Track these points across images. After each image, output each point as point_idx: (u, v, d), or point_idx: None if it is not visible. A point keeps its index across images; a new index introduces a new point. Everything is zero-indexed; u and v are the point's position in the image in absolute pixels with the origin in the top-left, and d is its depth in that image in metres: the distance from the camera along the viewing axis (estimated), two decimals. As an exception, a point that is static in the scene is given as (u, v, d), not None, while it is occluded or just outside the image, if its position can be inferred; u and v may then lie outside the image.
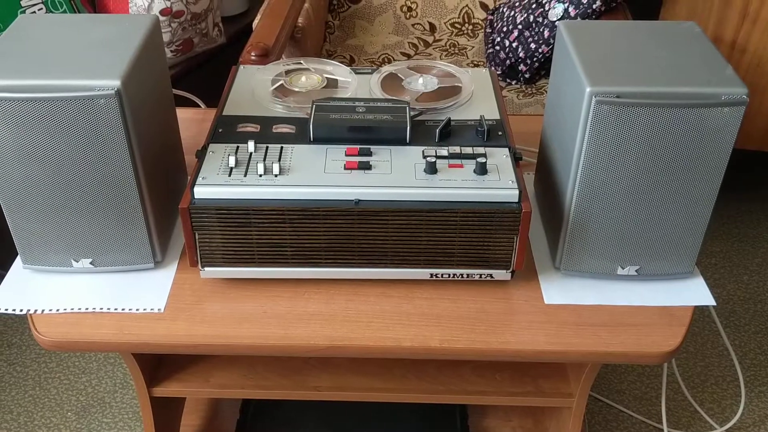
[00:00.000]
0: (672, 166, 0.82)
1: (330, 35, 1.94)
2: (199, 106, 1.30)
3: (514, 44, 1.70)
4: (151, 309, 0.86)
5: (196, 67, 1.85)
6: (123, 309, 0.86)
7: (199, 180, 0.83)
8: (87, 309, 0.86)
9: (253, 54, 1.39)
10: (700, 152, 0.81)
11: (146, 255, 0.90)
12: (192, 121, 1.21)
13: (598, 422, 1.41)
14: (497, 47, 1.76)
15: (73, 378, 1.51)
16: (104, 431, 1.40)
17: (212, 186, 0.83)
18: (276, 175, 0.84)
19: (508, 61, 1.72)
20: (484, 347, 0.83)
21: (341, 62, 1.69)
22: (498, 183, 0.84)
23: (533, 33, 1.67)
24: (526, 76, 1.70)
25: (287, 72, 1.03)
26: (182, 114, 1.21)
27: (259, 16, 1.62)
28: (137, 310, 0.86)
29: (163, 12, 1.69)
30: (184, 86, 1.47)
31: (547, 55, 1.65)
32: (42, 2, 1.58)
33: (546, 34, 1.63)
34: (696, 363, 1.54)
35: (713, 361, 1.54)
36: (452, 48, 1.90)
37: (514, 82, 1.73)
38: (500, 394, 1.02)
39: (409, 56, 1.87)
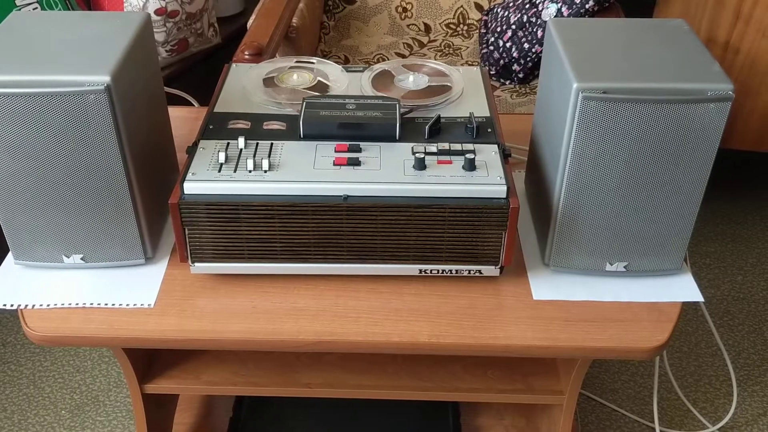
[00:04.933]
0: (659, 162, 0.82)
1: (325, 35, 1.94)
2: (192, 104, 1.30)
3: (508, 44, 1.71)
4: (141, 304, 0.87)
5: (192, 67, 1.85)
6: (113, 304, 0.87)
7: (189, 175, 0.84)
8: (77, 304, 0.86)
9: (247, 53, 1.39)
10: (687, 148, 0.82)
11: (137, 251, 0.90)
12: (185, 119, 1.22)
13: (591, 421, 1.41)
14: (491, 47, 1.76)
15: (68, 376, 1.51)
16: (98, 429, 1.40)
17: (202, 182, 0.83)
18: (265, 171, 0.84)
19: (501, 61, 1.73)
20: (473, 342, 0.83)
21: (336, 62, 1.69)
22: (486, 179, 0.84)
23: (527, 33, 1.68)
24: (520, 75, 1.71)
25: (279, 70, 1.03)
26: (175, 112, 1.22)
27: (253, 16, 1.63)
28: (127, 305, 0.87)
29: (158, 12, 1.70)
30: (179, 86, 1.47)
31: (540, 54, 1.65)
32: (36, 1, 1.59)
33: (539, 34, 1.64)
34: (689, 362, 1.54)
35: (706, 360, 1.54)
36: (447, 48, 1.90)
37: (507, 82, 1.74)
38: (491, 391, 1.02)
39: (403, 56, 1.87)
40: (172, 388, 1.04)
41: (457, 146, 0.89)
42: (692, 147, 0.82)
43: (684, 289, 0.90)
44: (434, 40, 1.94)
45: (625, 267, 0.90)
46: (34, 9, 1.58)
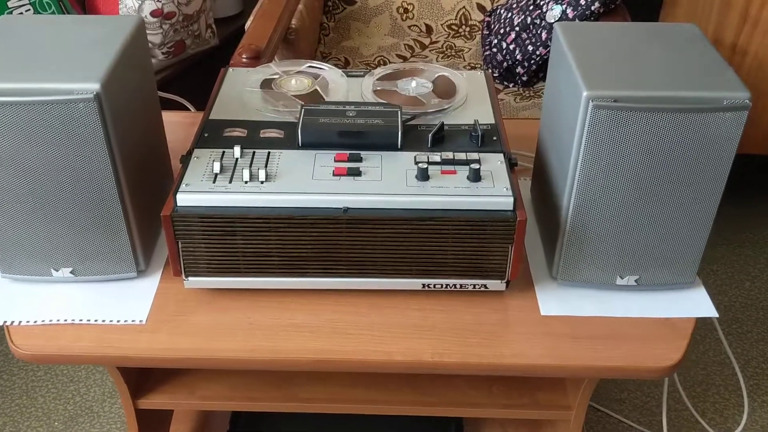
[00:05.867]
0: (672, 173, 0.79)
1: (325, 37, 1.91)
2: (189, 109, 1.27)
3: (512, 46, 1.67)
4: (133, 320, 0.83)
5: (189, 69, 1.82)
6: (104, 320, 0.83)
7: (182, 187, 0.81)
8: (66, 320, 0.83)
9: (244, 56, 1.36)
10: (702, 159, 0.78)
11: (129, 264, 0.87)
12: (180, 125, 1.18)
13: (597, 432, 1.38)
14: (494, 49, 1.73)
15: (61, 386, 1.48)
16: (92, 441, 1.38)
17: (196, 193, 0.80)
18: (262, 182, 0.81)
19: (505, 64, 1.69)
20: (478, 361, 0.80)
21: (335, 64, 1.66)
22: (492, 190, 0.81)
23: (531, 35, 1.64)
24: (524, 78, 1.67)
25: (277, 74, 1.00)
26: (170, 117, 1.19)
27: (251, 18, 1.59)
28: (118, 321, 0.83)
29: (153, 13, 1.66)
30: (175, 89, 1.44)
31: (544, 57, 1.62)
32: (30, 3, 1.55)
33: (543, 36, 1.61)
34: (697, 372, 1.50)
35: (715, 369, 1.51)
36: (449, 50, 1.87)
37: (511, 85, 1.70)
38: (496, 407, 0.99)
39: (405, 58, 1.84)
40: (166, 404, 1.00)
41: (462, 155, 0.86)
42: (707, 158, 0.78)
43: (697, 303, 0.87)
44: (436, 42, 1.90)
45: (636, 281, 0.87)
46: (26, 11, 1.55)
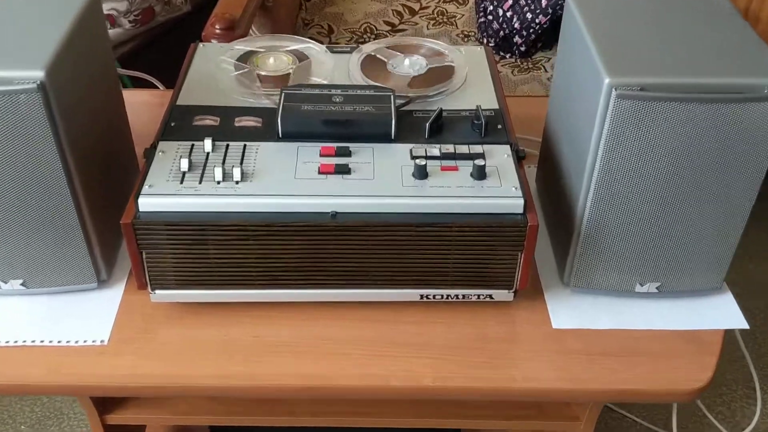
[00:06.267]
0: (704, 169, 0.70)
1: (306, 2, 1.78)
2: (157, 87, 1.15)
3: (509, 13, 1.56)
4: (93, 341, 0.73)
5: (158, 39, 1.69)
6: (59, 341, 0.73)
7: (145, 189, 0.70)
8: (16, 342, 0.73)
9: (217, 27, 1.24)
10: (737, 153, 0.69)
11: (88, 273, 0.77)
12: (147, 106, 1.07)
13: (601, 429, 1.31)
14: (490, 17, 1.61)
15: (28, 385, 1.39)
16: (62, 444, 1.29)
17: (160, 196, 0.70)
18: (237, 182, 0.71)
19: (501, 33, 1.58)
20: (485, 386, 0.71)
21: (319, 32, 1.54)
22: (499, 190, 0.71)
23: (530, 1, 1.53)
24: (522, 48, 1.56)
25: (253, 51, 0.89)
26: (136, 97, 1.07)
27: (226, -17, 1.46)
28: (76, 342, 0.73)
29: (120, -22, 1.53)
30: (143, 62, 1.32)
31: (545, 26, 1.51)
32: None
33: (543, 2, 1.49)
34: (702, 360, 1.44)
35: (722, 357, 1.44)
36: (440, 16, 1.75)
37: (508, 56, 1.59)
38: (500, 418, 0.91)
39: (393, 25, 1.72)
40: (137, 419, 0.91)
41: (464, 148, 0.76)
42: (743, 152, 0.69)
43: (725, 313, 0.78)
44: (426, 7, 1.78)
45: (657, 288, 0.78)
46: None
